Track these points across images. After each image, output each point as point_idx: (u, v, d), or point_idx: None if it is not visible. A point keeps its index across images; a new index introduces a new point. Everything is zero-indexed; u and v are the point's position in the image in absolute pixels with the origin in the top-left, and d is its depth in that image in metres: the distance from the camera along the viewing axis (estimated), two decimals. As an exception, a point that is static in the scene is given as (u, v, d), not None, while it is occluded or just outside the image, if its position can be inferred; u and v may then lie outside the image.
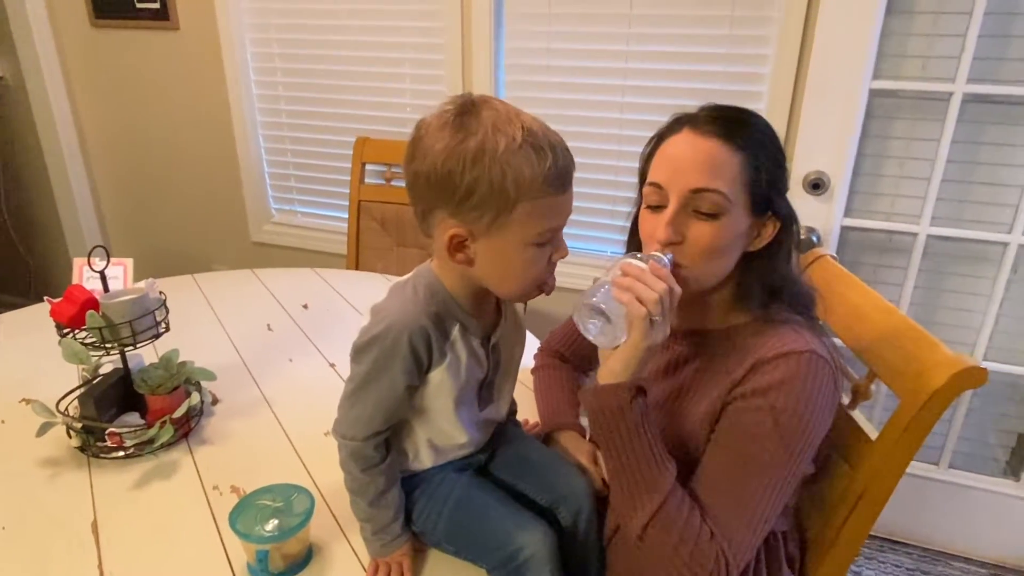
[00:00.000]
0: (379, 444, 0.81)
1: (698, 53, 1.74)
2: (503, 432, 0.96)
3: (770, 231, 0.85)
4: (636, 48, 1.79)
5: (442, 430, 0.85)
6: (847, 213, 1.64)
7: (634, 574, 0.89)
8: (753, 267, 0.86)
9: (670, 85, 1.78)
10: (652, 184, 0.84)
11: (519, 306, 0.92)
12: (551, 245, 0.75)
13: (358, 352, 0.78)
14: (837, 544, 0.93)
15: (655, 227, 0.83)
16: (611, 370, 0.80)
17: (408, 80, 2.08)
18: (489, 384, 0.87)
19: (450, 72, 1.98)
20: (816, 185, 1.60)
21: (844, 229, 1.65)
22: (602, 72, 1.84)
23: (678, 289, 0.78)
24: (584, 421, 1.08)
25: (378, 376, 0.77)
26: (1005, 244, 1.55)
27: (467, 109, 0.71)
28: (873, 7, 1.44)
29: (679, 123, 0.86)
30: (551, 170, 0.70)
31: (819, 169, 1.59)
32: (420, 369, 0.78)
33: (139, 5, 2.25)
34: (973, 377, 0.82)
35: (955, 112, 1.48)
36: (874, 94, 1.53)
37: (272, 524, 0.82)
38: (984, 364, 1.49)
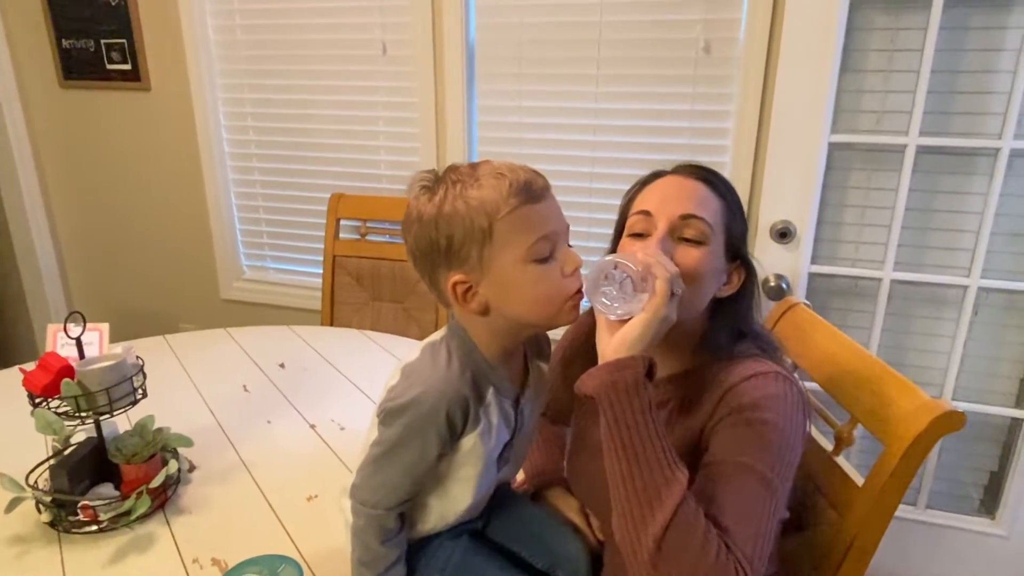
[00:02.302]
0: (400, 515, 0.79)
1: (664, 110, 1.81)
2: (497, 491, 0.94)
3: (737, 279, 0.90)
4: (604, 106, 1.85)
5: (453, 497, 0.82)
6: (814, 260, 1.69)
7: None
8: (721, 313, 0.90)
9: (638, 140, 1.85)
10: (640, 212, 0.87)
11: (545, 365, 0.91)
12: (556, 259, 0.74)
13: (389, 416, 0.75)
14: (831, 593, 0.93)
15: (641, 249, 0.84)
16: (624, 340, 0.74)
17: (382, 137, 2.11)
18: (509, 446, 0.85)
19: (424, 129, 2.02)
20: (783, 234, 1.65)
21: (812, 276, 1.70)
22: (572, 128, 1.90)
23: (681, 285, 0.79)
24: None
25: (410, 442, 0.74)
26: (965, 287, 1.61)
27: (435, 178, 0.75)
28: (827, 66, 1.52)
29: (661, 173, 0.92)
30: (513, 185, 0.71)
31: (785, 219, 1.65)
32: (454, 436, 0.76)
33: (110, 66, 2.26)
34: (952, 421, 0.85)
35: (910, 163, 1.56)
36: (833, 147, 1.60)
37: (259, 598, 0.80)
38: (952, 403, 1.53)
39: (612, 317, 0.77)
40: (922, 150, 1.56)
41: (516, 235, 0.71)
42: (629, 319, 0.75)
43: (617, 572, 0.92)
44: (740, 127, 1.74)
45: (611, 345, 0.75)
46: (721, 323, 0.89)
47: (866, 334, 1.71)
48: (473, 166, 0.74)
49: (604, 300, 0.77)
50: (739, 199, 0.91)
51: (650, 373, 0.74)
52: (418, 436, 0.74)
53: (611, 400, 0.73)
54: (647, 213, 0.86)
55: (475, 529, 0.90)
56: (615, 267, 0.76)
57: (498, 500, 0.93)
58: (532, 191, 0.72)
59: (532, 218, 0.72)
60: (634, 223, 0.88)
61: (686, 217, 0.84)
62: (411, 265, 0.77)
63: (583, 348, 0.94)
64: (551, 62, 1.86)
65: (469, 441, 0.77)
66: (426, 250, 0.73)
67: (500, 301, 0.74)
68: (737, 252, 0.89)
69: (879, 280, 1.66)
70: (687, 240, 0.84)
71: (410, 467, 0.75)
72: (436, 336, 0.82)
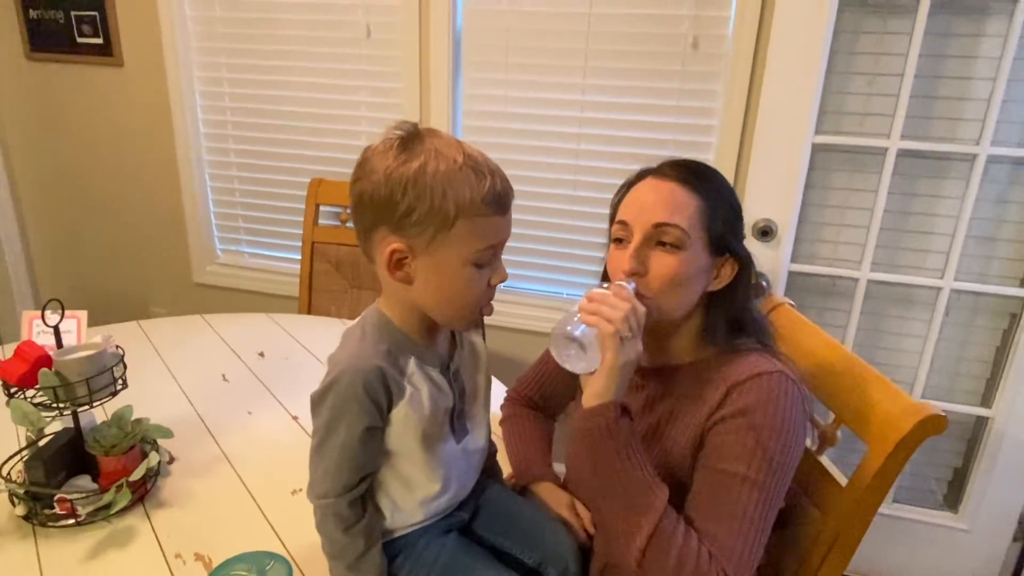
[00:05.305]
0: (354, 501, 0.78)
1: (650, 105, 1.80)
2: (485, 487, 0.94)
3: (728, 272, 0.92)
4: (591, 98, 1.84)
5: (413, 478, 0.82)
6: (793, 259, 1.71)
7: None
8: (715, 305, 0.93)
9: (624, 134, 1.84)
10: (619, 222, 0.92)
11: (477, 338, 0.92)
12: (490, 268, 0.77)
13: (315, 404, 0.77)
14: (812, 588, 0.95)
15: (621, 260, 0.89)
16: (594, 392, 0.81)
17: (364, 123, 2.07)
18: (460, 414, 0.86)
19: (408, 115, 1.99)
20: (765, 232, 1.67)
21: (791, 274, 1.73)
22: (558, 120, 1.88)
23: (642, 308, 0.83)
24: (559, 468, 1.08)
25: (337, 424, 0.75)
26: (938, 289, 1.65)
27: (413, 135, 0.74)
28: (814, 67, 1.54)
29: (644, 173, 0.94)
30: (490, 191, 0.72)
31: (767, 217, 1.67)
32: (380, 410, 0.76)
33: (80, 40, 2.17)
34: (935, 424, 0.87)
35: (891, 166, 1.59)
36: (816, 148, 1.62)
37: (248, 596, 0.78)
38: (935, 407, 1.57)
39: (578, 372, 0.84)
40: (902, 153, 1.58)
41: (472, 237, 0.73)
42: (595, 371, 0.82)
43: (608, 561, 0.93)
44: (725, 125, 1.75)
45: (586, 394, 0.82)
46: (716, 316, 0.92)
47: (841, 332, 1.74)
48: (459, 146, 0.74)
49: (566, 357, 0.83)
50: (725, 191, 0.92)
51: (626, 409, 0.82)
52: (343, 415, 0.75)
53: (588, 443, 0.81)
54: (624, 223, 0.90)
55: (462, 524, 0.90)
56: (570, 331, 0.82)
57: (486, 495, 0.94)
58: (503, 203, 0.75)
59: (491, 228, 0.75)
60: (615, 231, 0.92)
61: (659, 225, 0.87)
62: (351, 204, 0.77)
63: None
64: (539, 52, 1.84)
65: (400, 412, 0.77)
66: (379, 204, 0.72)
67: (423, 282, 0.76)
68: (726, 246, 0.90)
69: (856, 280, 1.69)
70: (664, 244, 0.87)
71: (344, 448, 0.76)
72: (354, 321, 0.84)
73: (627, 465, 0.80)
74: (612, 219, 0.95)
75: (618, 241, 0.91)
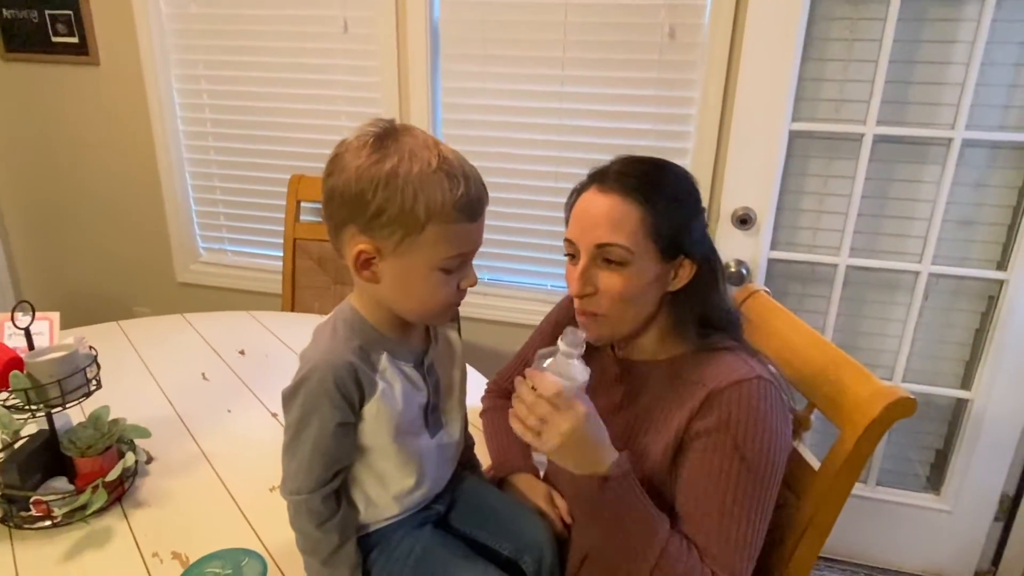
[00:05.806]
0: (327, 496, 0.79)
1: (629, 95, 1.81)
2: (461, 479, 0.95)
3: (687, 271, 0.90)
4: (569, 89, 1.84)
5: (387, 473, 0.82)
6: (773, 246, 1.72)
7: None
8: (679, 303, 0.91)
9: (603, 125, 1.85)
10: (567, 239, 0.92)
11: (453, 332, 0.92)
12: (459, 272, 0.76)
13: (287, 400, 0.77)
14: (788, 571, 0.96)
15: (572, 277, 0.90)
16: (568, 466, 0.80)
17: (344, 117, 2.06)
18: (434, 408, 0.86)
19: (387, 109, 1.98)
20: (744, 220, 1.68)
21: (771, 261, 1.73)
22: (538, 112, 1.88)
23: (551, 380, 0.77)
24: (537, 458, 1.09)
25: (308, 419, 0.76)
26: (916, 273, 1.67)
27: (388, 133, 0.73)
28: (789, 54, 1.54)
29: (591, 180, 0.92)
30: (463, 197, 0.71)
31: (746, 205, 1.67)
32: (352, 406, 0.76)
33: (55, 39, 2.15)
34: (904, 407, 0.88)
35: (867, 151, 1.59)
36: (794, 135, 1.63)
37: (222, 593, 0.79)
38: (902, 385, 1.59)
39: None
40: (878, 139, 1.59)
41: (440, 243, 0.72)
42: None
43: (588, 553, 0.94)
44: (703, 113, 1.75)
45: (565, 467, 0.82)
46: (682, 313, 0.91)
47: (822, 318, 1.75)
48: (435, 147, 0.72)
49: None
50: (675, 192, 0.88)
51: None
52: (315, 411, 0.75)
53: (580, 506, 0.86)
54: (571, 241, 0.90)
55: (438, 516, 0.90)
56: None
57: (462, 487, 0.94)
58: (475, 210, 0.74)
59: (462, 235, 0.74)
60: (565, 247, 0.93)
61: (602, 246, 0.86)
62: (323, 199, 0.76)
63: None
64: (516, 44, 1.84)
65: (372, 407, 0.77)
66: (349, 202, 0.72)
67: (390, 283, 0.75)
68: (678, 248, 0.88)
69: (835, 266, 1.70)
70: (610, 262, 0.87)
71: (316, 444, 0.76)
72: (325, 318, 0.83)
73: (623, 518, 0.80)
74: (567, 226, 0.94)
75: (570, 256, 0.92)
